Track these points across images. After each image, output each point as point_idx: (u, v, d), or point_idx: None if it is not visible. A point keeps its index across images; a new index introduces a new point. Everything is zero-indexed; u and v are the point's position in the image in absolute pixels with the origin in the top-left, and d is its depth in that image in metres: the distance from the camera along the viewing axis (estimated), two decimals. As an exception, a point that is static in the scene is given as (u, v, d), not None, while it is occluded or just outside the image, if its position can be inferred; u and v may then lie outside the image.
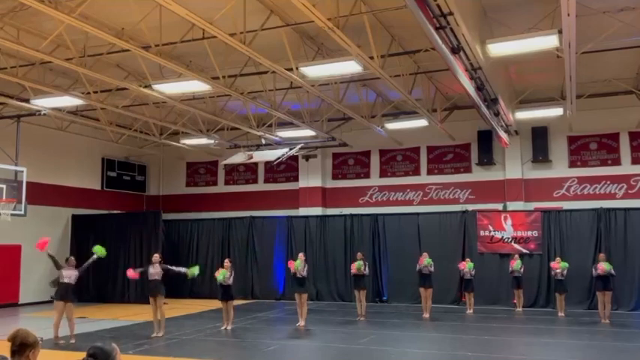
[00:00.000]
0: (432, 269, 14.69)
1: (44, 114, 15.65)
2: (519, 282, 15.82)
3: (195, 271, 12.56)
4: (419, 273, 14.78)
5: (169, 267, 12.54)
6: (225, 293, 12.87)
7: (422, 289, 14.86)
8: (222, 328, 12.87)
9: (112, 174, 21.80)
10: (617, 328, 12.83)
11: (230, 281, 12.76)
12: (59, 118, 17.16)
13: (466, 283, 15.78)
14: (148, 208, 22.77)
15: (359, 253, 15.01)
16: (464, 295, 16.17)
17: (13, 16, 10.69)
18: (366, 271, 14.56)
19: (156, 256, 12.57)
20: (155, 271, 12.18)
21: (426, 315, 14.66)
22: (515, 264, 15.74)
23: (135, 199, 22.80)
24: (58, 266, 11.73)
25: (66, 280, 11.47)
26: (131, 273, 12.49)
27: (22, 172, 15.57)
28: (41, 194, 18.09)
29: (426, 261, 14.69)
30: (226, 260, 13.37)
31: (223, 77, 12.64)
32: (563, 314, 14.71)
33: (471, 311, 15.55)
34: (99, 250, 11.89)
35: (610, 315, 13.62)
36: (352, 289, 15.43)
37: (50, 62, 12.10)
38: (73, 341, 11.17)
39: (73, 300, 11.51)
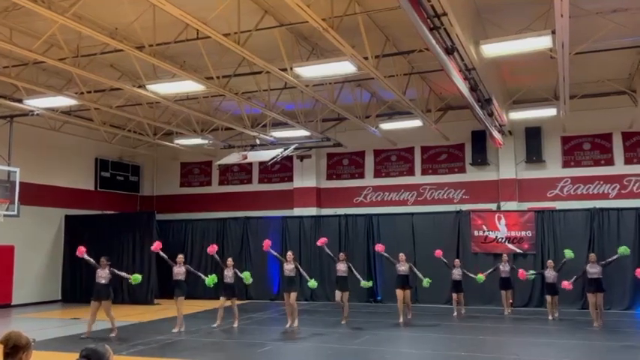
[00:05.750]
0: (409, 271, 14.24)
1: (37, 114, 15.57)
2: (508, 283, 15.31)
3: (212, 281, 13.19)
4: (397, 276, 14.22)
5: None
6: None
7: (399, 291, 14.11)
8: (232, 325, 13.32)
9: (106, 174, 21.73)
10: (611, 328, 12.87)
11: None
12: (52, 118, 17.08)
13: (455, 285, 15.21)
14: (141, 209, 22.71)
15: (341, 254, 14.45)
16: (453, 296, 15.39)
17: (6, 15, 10.64)
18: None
19: (180, 257, 13.18)
20: (179, 270, 12.86)
21: (408, 316, 14.23)
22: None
23: (128, 199, 22.73)
24: (95, 267, 12.21)
25: (101, 281, 12.06)
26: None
27: (15, 172, 15.52)
28: (34, 195, 18.00)
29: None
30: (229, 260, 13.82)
31: (217, 77, 12.63)
32: (553, 318, 14.18)
33: (456, 314, 15.06)
34: (135, 279, 12.41)
35: (602, 318, 13.05)
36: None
37: (43, 62, 12.06)
38: (113, 334, 11.91)
39: (107, 298, 12.05)
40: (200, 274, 13.51)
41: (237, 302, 13.86)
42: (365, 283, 14.25)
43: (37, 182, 18.51)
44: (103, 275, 12.08)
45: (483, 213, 17.90)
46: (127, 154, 22.41)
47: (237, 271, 13.49)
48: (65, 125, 18.45)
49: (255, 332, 12.94)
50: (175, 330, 12.52)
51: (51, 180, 19.39)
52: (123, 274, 12.51)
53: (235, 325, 13.27)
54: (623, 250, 13.10)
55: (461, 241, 17.80)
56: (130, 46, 10.48)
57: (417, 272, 14.37)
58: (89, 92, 14.32)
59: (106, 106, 15.09)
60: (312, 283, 13.62)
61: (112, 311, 12.16)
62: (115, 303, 18.35)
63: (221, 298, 13.43)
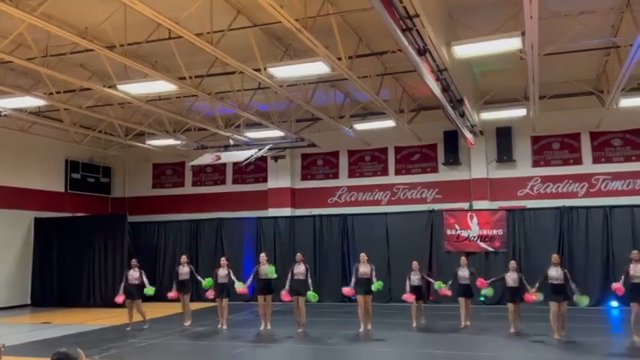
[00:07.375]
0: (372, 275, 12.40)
1: (5, 115, 15.25)
2: (467, 290, 13.04)
3: (209, 283, 13.51)
4: (358, 279, 12.41)
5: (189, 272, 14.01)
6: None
7: (359, 297, 12.43)
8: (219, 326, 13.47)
9: (76, 176, 21.36)
10: (580, 324, 13.08)
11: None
12: (21, 119, 16.74)
13: (413, 291, 12.90)
14: (113, 211, 22.39)
15: (298, 254, 12.99)
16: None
17: (-28, 14, 10.40)
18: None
19: (184, 258, 14.31)
20: (184, 270, 13.89)
21: (369, 327, 12.55)
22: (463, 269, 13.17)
23: (100, 201, 22.39)
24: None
25: (133, 282, 13.37)
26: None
27: (-18, 174, 15.19)
28: (2, 197, 17.65)
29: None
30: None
31: (190, 77, 12.54)
32: (515, 330, 12.02)
33: (415, 325, 13.01)
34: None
35: (565, 328, 11.32)
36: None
37: (11, 62, 11.81)
38: (146, 326, 13.20)
39: (138, 297, 13.40)
40: (199, 277, 14.06)
41: (214, 304, 13.83)
42: (312, 295, 12.29)
43: (5, 184, 18.13)
44: (134, 277, 13.41)
45: (456, 212, 18.11)
46: (98, 155, 22.07)
47: (231, 271, 13.53)
48: (34, 126, 18.09)
49: (229, 334, 12.86)
50: (187, 323, 13.70)
51: (19, 182, 18.97)
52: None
53: (225, 327, 13.33)
54: (580, 300, 11.43)
55: (434, 239, 17.98)
56: (100, 46, 10.33)
57: (373, 274, 12.42)
58: (58, 92, 14.08)
59: (76, 107, 14.85)
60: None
61: (143, 308, 13.58)
62: (87, 306, 18.33)
63: (217, 299, 13.48)
